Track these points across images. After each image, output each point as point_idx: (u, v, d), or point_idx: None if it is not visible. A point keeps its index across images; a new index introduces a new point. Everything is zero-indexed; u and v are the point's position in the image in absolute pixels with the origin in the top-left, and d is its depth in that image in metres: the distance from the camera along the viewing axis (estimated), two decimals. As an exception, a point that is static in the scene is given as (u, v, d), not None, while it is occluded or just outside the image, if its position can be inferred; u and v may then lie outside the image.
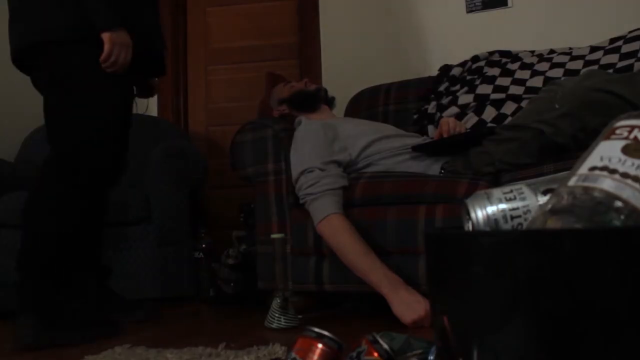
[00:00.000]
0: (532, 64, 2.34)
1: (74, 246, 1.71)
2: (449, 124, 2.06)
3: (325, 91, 2.35)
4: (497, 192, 0.83)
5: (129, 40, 1.69)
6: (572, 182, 0.73)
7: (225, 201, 3.06)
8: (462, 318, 0.73)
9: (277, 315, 1.77)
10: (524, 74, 2.31)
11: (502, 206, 0.81)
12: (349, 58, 2.92)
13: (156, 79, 2.08)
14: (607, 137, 0.75)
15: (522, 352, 0.67)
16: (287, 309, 1.77)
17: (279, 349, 1.41)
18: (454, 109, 2.37)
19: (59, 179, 1.70)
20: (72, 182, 1.69)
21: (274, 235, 1.89)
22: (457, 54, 2.58)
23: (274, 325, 1.76)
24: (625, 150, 0.72)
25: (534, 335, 0.66)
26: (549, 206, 0.73)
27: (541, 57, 2.36)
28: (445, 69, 2.56)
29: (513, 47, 2.51)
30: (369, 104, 2.62)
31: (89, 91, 1.71)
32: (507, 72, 2.36)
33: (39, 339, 1.61)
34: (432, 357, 0.98)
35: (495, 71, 2.39)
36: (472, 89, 2.39)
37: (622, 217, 0.67)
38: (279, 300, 1.77)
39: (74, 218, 1.70)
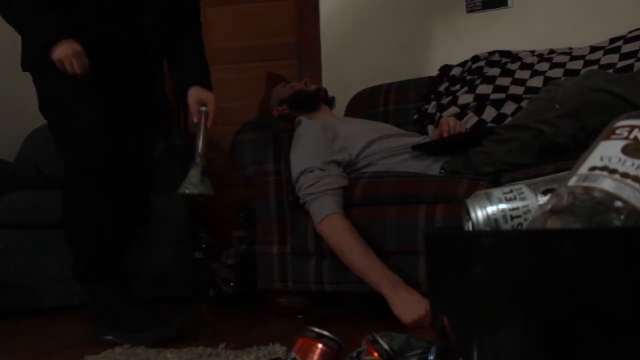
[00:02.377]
0: (532, 64, 2.34)
1: (105, 246, 1.73)
2: (449, 123, 2.06)
3: (325, 91, 2.35)
4: (497, 192, 0.82)
5: (74, 48, 1.66)
6: (572, 182, 0.72)
7: (225, 201, 3.06)
8: (462, 318, 0.73)
9: (193, 181, 1.73)
10: (524, 74, 2.31)
11: (502, 206, 0.80)
12: (349, 58, 2.91)
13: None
14: (607, 137, 0.75)
15: (522, 352, 0.67)
16: (205, 175, 1.74)
17: (279, 349, 1.41)
18: (454, 109, 2.37)
19: (66, 184, 1.77)
20: (76, 187, 1.73)
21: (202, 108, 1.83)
22: (457, 54, 2.58)
23: (188, 191, 1.72)
24: (625, 150, 0.71)
25: (534, 335, 0.66)
26: (549, 206, 0.73)
27: (541, 57, 2.36)
28: (445, 69, 2.56)
29: (513, 47, 2.50)
30: (369, 104, 2.62)
31: (60, 105, 1.76)
32: (507, 72, 2.35)
33: (91, 338, 1.68)
34: (432, 357, 0.98)
35: (495, 71, 2.39)
36: (472, 89, 2.38)
37: (622, 217, 0.67)
38: (195, 169, 1.74)
39: (84, 218, 1.73)
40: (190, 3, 2.01)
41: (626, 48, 2.18)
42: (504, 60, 2.44)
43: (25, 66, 1.82)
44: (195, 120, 1.83)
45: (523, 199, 0.81)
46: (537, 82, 2.25)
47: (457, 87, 2.45)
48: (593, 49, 2.28)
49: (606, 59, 2.19)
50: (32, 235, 2.30)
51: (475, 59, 2.51)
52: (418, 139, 2.12)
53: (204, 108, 1.82)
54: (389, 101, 2.59)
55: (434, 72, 2.59)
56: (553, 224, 0.70)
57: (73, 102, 1.73)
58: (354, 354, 0.99)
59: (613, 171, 0.70)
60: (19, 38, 1.81)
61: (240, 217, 2.57)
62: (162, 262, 2.49)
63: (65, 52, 1.65)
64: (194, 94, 1.85)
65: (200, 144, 1.79)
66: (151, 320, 1.65)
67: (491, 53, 2.50)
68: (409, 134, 2.20)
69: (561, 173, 0.85)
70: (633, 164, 0.70)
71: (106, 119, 1.74)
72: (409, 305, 1.67)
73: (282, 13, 3.18)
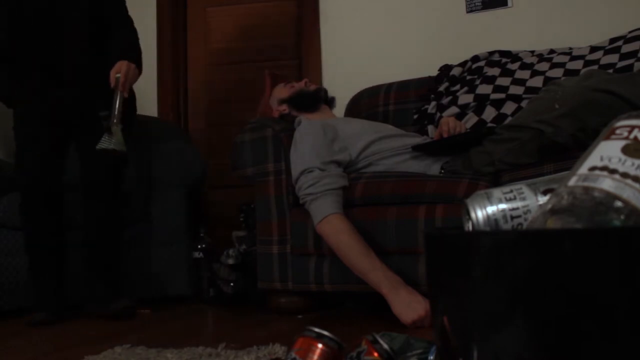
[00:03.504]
0: (532, 64, 2.34)
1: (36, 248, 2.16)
2: (449, 124, 2.06)
3: (325, 91, 2.35)
4: (497, 192, 0.82)
5: None
6: (572, 182, 0.72)
7: (225, 201, 3.06)
8: (462, 318, 0.73)
9: (108, 138, 1.98)
10: (524, 74, 2.31)
11: (502, 206, 0.80)
12: (349, 58, 2.92)
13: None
14: (607, 137, 0.75)
15: (522, 352, 0.67)
16: (111, 133, 1.98)
17: (279, 349, 1.41)
18: (454, 109, 2.37)
19: None
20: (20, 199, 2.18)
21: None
22: (457, 54, 2.58)
23: (104, 146, 1.98)
24: (625, 150, 0.71)
25: (533, 335, 0.66)
26: (549, 206, 0.73)
27: (541, 57, 2.36)
28: (445, 69, 2.56)
29: (513, 47, 2.51)
30: (369, 104, 2.62)
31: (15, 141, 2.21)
32: (507, 72, 2.35)
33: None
34: (432, 357, 0.98)
35: (495, 71, 2.39)
36: (472, 89, 2.38)
37: (622, 217, 0.67)
38: (110, 127, 1.99)
39: (27, 227, 2.17)
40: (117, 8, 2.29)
41: (626, 48, 2.18)
42: (504, 60, 2.44)
43: None
44: (112, 85, 2.08)
45: (523, 199, 0.81)
46: (537, 82, 2.25)
47: (457, 87, 2.45)
48: (593, 49, 2.28)
49: (606, 59, 2.19)
50: (32, 235, 2.29)
51: (475, 59, 2.51)
52: (418, 140, 2.12)
53: (118, 75, 2.08)
54: (389, 101, 2.59)
55: (434, 72, 2.59)
56: (553, 224, 0.70)
57: (19, 142, 2.16)
58: (354, 354, 0.99)
59: (613, 171, 0.70)
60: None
61: (240, 217, 2.57)
62: (162, 262, 2.49)
63: None
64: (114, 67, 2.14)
65: (115, 106, 2.03)
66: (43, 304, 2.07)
67: (491, 53, 2.50)
68: (409, 135, 2.20)
69: (561, 173, 0.85)
70: (633, 164, 0.70)
71: (43, 159, 2.12)
72: (408, 305, 1.67)
73: (282, 13, 3.18)
